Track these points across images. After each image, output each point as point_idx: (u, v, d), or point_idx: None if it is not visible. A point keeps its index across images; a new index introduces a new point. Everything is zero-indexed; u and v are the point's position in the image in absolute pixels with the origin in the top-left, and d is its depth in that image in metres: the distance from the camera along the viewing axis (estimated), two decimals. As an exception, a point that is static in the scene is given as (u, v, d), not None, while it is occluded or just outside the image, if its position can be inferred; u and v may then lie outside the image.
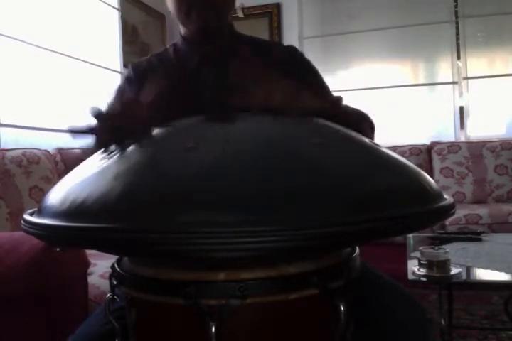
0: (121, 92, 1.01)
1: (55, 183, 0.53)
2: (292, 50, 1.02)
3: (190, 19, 0.92)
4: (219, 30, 0.97)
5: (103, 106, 0.62)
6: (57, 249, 1.10)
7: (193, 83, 0.96)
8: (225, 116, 0.59)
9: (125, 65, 3.15)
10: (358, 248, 0.55)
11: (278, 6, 3.77)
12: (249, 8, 3.71)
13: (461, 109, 3.44)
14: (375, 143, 0.55)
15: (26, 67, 2.38)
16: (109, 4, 3.09)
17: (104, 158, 0.51)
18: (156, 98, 0.66)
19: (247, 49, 0.97)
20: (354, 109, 0.86)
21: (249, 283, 0.43)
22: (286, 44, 1.06)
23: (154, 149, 0.50)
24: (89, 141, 0.61)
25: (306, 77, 0.99)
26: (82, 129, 0.60)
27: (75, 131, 0.61)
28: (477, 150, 3.08)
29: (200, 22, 0.91)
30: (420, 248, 1.33)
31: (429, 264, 1.26)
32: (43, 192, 1.87)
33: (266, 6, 3.74)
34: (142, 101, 0.65)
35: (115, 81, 3.07)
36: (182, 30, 1.01)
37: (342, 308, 0.45)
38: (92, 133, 0.60)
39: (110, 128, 0.58)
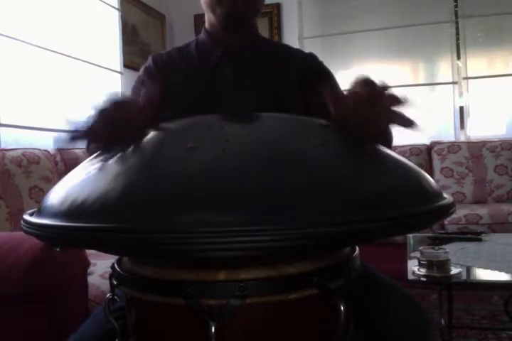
0: (140, 83, 1.00)
1: (55, 183, 0.53)
2: (313, 58, 1.03)
3: (221, 3, 0.92)
4: (245, 19, 0.97)
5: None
6: (57, 249, 1.10)
7: (211, 79, 0.96)
8: (235, 115, 0.59)
9: (125, 65, 3.15)
10: (358, 248, 0.55)
11: (278, 6, 3.77)
12: (249, 8, 3.70)
13: (461, 109, 3.44)
14: (375, 143, 0.55)
15: (26, 67, 2.38)
16: (109, 4, 3.09)
17: (104, 158, 0.51)
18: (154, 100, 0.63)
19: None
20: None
21: (249, 283, 0.43)
22: (307, 51, 1.06)
23: (154, 149, 0.50)
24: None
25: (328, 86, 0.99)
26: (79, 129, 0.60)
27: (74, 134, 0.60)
28: (477, 150, 3.08)
29: (230, 6, 0.92)
30: (420, 248, 1.33)
31: (429, 264, 1.26)
32: (43, 192, 1.87)
33: (266, 5, 3.70)
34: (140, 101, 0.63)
35: (115, 81, 3.08)
36: (208, 21, 1.01)
37: (342, 308, 0.45)
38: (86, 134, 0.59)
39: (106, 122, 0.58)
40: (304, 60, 1.01)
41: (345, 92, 0.60)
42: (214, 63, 0.97)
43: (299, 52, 1.05)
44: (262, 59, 1.00)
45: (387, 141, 0.79)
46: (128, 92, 1.00)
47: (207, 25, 1.02)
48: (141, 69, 1.02)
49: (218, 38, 0.99)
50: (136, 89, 1.00)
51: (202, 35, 1.02)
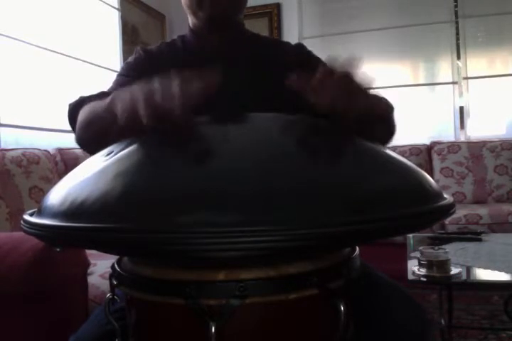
0: (130, 67, 0.96)
1: (55, 183, 0.53)
2: (301, 48, 1.02)
3: (202, 7, 0.91)
4: (229, 20, 0.96)
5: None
6: (57, 249, 1.10)
7: None
8: (234, 115, 0.58)
9: (125, 65, 3.15)
10: (358, 248, 0.55)
11: (278, 6, 3.77)
12: (249, 8, 3.68)
13: (461, 109, 3.44)
14: (375, 143, 0.55)
15: (26, 67, 2.38)
16: (109, 4, 3.10)
17: (104, 158, 0.51)
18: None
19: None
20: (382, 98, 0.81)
21: (249, 283, 0.43)
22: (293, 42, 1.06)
23: (154, 149, 0.50)
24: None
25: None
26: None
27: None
28: (477, 150, 3.08)
29: (212, 10, 0.91)
30: (420, 248, 1.33)
31: (429, 264, 1.26)
32: (43, 192, 1.87)
33: (266, 6, 3.74)
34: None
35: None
36: (191, 22, 1.00)
37: (342, 308, 0.45)
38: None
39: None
40: (294, 53, 1.00)
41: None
42: (202, 63, 0.96)
43: (287, 45, 1.04)
44: (250, 57, 0.98)
45: (383, 130, 0.78)
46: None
47: (191, 24, 1.00)
48: (131, 59, 0.99)
49: (204, 38, 0.98)
50: (123, 78, 0.94)
51: (187, 34, 1.01)
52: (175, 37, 1.05)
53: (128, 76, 0.94)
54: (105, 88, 0.93)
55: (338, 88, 0.56)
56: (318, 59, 1.01)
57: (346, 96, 0.57)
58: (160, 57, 0.97)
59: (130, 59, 1.00)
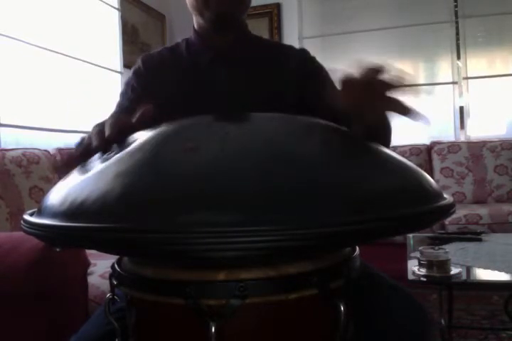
0: (129, 87, 0.99)
1: (55, 183, 0.53)
2: (305, 53, 1.02)
3: (209, 6, 0.91)
4: (234, 19, 0.96)
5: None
6: (57, 249, 1.10)
7: (204, 79, 0.95)
8: (234, 115, 0.58)
9: (125, 65, 3.15)
10: (358, 248, 0.55)
11: (278, 6, 3.77)
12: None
13: (461, 109, 3.44)
14: (375, 143, 0.55)
15: (26, 67, 2.38)
16: (109, 4, 3.10)
17: (104, 158, 0.51)
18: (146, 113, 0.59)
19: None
20: None
21: (249, 283, 0.43)
22: (297, 47, 1.06)
23: (154, 149, 0.50)
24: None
25: (319, 81, 0.99)
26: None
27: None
28: (477, 150, 3.08)
29: (218, 8, 0.90)
30: (420, 248, 1.33)
31: (429, 264, 1.26)
32: (43, 192, 1.88)
33: (266, 6, 3.74)
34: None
35: (115, 81, 3.08)
36: (196, 23, 1.00)
37: (342, 308, 0.45)
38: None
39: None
40: (297, 57, 1.01)
41: (338, 82, 0.57)
42: (206, 64, 0.97)
43: (290, 49, 1.04)
44: (254, 58, 0.99)
45: (385, 135, 0.79)
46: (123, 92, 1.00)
47: (196, 26, 1.00)
48: (131, 72, 1.01)
49: (208, 39, 0.98)
50: (125, 95, 0.99)
51: (192, 36, 1.01)
52: (174, 37, 1.06)
53: (128, 99, 0.98)
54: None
55: (370, 91, 0.54)
56: (321, 66, 1.01)
57: (374, 101, 0.55)
58: (161, 63, 0.99)
59: (131, 73, 1.02)
